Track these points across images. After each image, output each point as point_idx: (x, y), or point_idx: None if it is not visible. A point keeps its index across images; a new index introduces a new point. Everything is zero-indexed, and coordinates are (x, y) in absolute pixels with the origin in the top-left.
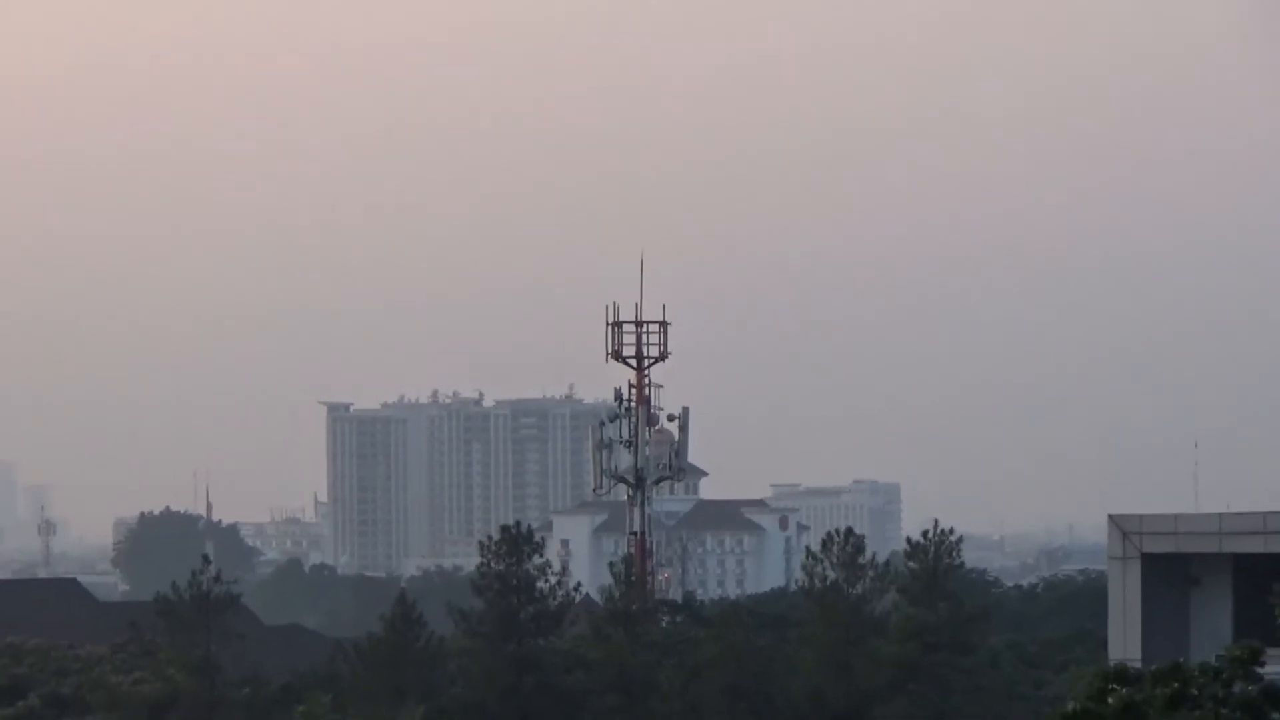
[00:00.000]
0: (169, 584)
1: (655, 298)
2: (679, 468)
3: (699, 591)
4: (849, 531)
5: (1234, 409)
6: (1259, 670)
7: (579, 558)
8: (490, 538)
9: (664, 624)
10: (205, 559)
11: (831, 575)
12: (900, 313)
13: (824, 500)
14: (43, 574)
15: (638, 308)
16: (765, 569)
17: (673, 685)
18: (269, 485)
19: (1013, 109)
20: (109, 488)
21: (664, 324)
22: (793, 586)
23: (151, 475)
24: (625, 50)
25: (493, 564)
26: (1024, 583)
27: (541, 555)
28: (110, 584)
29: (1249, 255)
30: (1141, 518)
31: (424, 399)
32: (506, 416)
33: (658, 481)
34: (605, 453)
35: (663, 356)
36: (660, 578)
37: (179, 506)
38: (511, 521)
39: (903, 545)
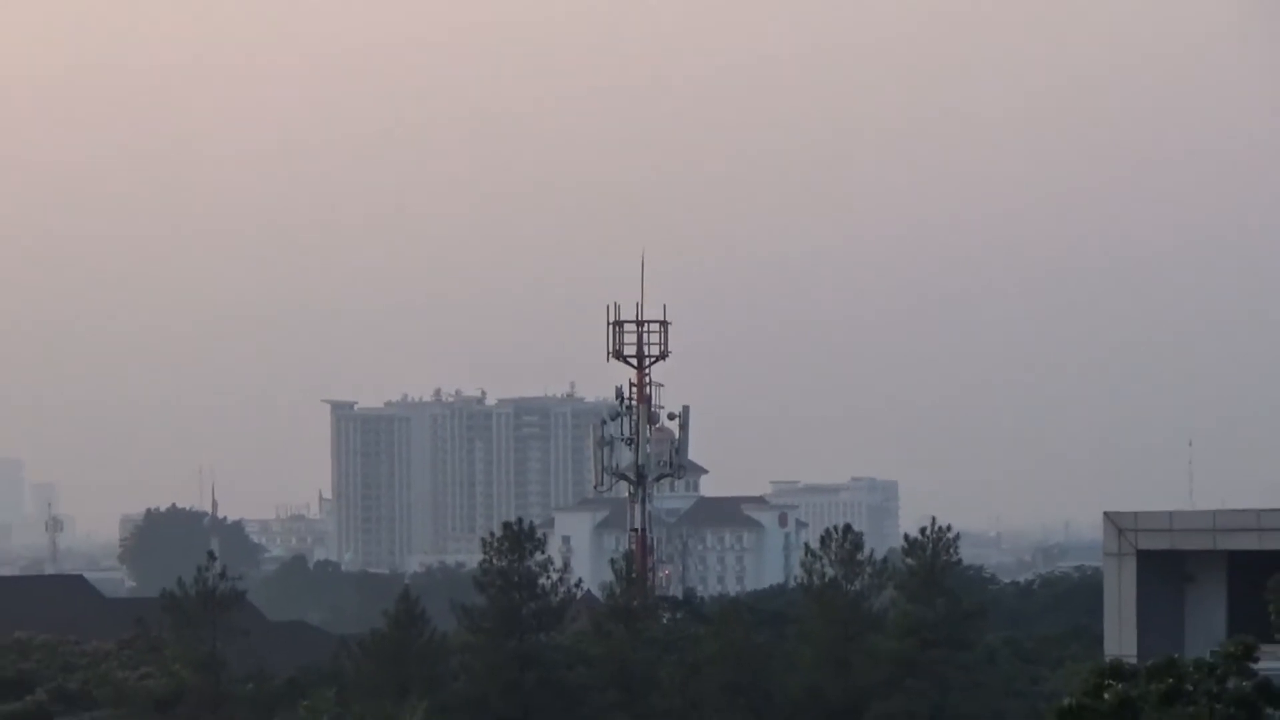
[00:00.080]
0: (175, 580)
1: (656, 297)
2: (679, 465)
3: (699, 588)
4: (847, 528)
5: (1228, 407)
6: (1253, 666)
7: (580, 554)
8: (493, 534)
9: (664, 620)
10: (211, 556)
11: (830, 572)
12: (898, 312)
13: (823, 497)
14: (50, 570)
15: (638, 307)
16: (764, 566)
17: (673, 681)
18: (274, 483)
19: (1013, 109)
20: (116, 485)
21: (664, 323)
22: (792, 583)
23: (157, 473)
24: (625, 50)
25: (495, 560)
26: (1020, 579)
27: (543, 552)
28: (116, 580)
29: (1248, 255)
30: (1137, 515)
31: (427, 398)
32: (509, 415)
33: (658, 479)
34: (606, 450)
35: (663, 355)
36: (661, 574)
37: (185, 504)
38: (514, 518)
39: (900, 542)
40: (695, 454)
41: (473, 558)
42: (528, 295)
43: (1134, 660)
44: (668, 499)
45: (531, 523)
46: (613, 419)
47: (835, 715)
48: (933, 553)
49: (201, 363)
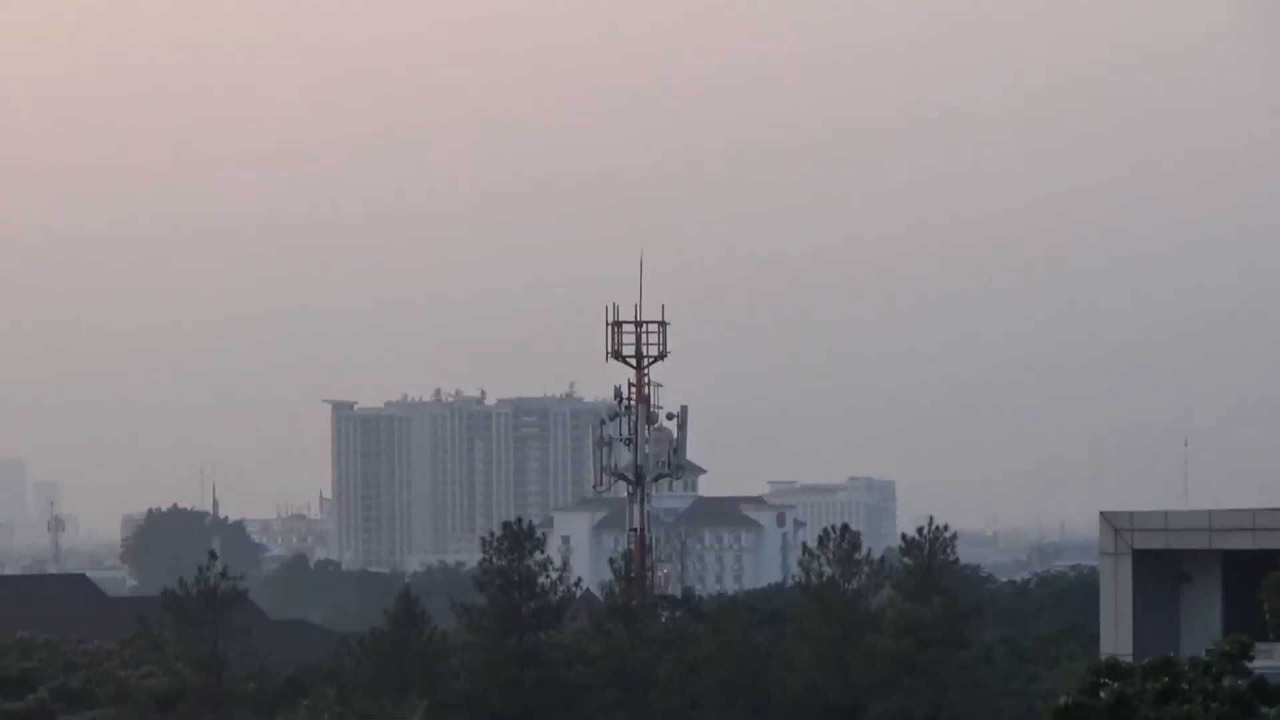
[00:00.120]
0: (176, 580)
1: (655, 298)
2: (678, 465)
3: (697, 587)
4: (845, 528)
5: (1224, 407)
6: (1248, 665)
7: (579, 554)
8: (492, 534)
9: (663, 619)
10: (212, 555)
11: (828, 571)
12: (897, 312)
13: (820, 497)
14: (52, 570)
15: (637, 308)
16: (762, 565)
17: (672, 680)
18: (274, 483)
19: (1013, 109)
20: (117, 485)
21: (663, 324)
22: (789, 582)
23: (159, 473)
24: (625, 50)
25: (495, 560)
26: (1017, 579)
27: (542, 551)
28: (118, 579)
29: (1248, 255)
30: (1133, 514)
31: (427, 398)
32: (508, 415)
33: (657, 479)
34: (605, 450)
35: (662, 356)
36: (659, 574)
37: (186, 503)
38: (513, 518)
39: (898, 541)
40: (694, 454)
41: (472, 557)
42: (527, 295)
43: (1130, 659)
44: (666, 499)
45: (531, 522)
46: (612, 419)
47: (833, 713)
48: (930, 552)
49: (202, 363)
